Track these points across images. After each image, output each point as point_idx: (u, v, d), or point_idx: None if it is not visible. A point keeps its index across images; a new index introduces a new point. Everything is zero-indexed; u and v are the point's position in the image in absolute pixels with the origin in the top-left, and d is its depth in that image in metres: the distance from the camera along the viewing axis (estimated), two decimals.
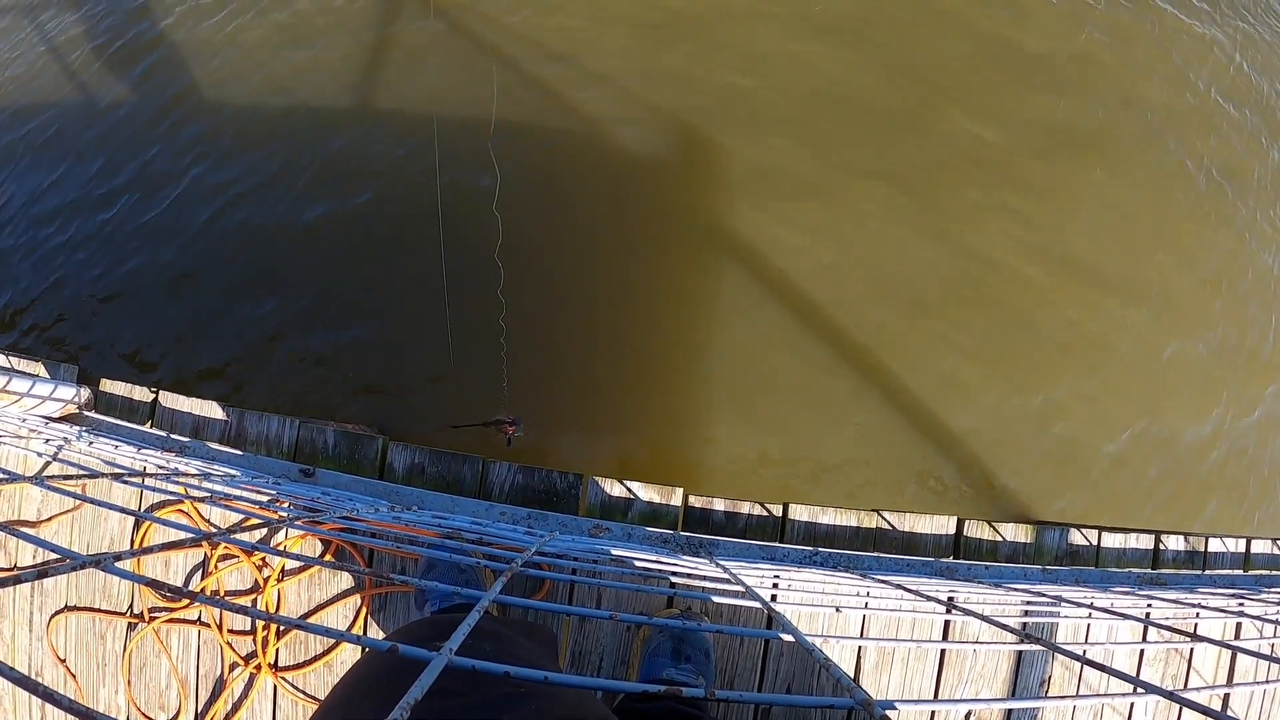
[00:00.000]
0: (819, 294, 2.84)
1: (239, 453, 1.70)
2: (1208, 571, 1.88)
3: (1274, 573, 1.92)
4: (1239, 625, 1.65)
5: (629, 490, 1.69)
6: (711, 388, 2.76)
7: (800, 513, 1.71)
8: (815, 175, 3.01)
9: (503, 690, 0.69)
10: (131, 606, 1.66)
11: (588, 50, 3.24)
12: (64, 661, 1.67)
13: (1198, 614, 1.37)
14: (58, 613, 1.67)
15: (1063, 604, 1.18)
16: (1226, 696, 1.63)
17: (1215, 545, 1.91)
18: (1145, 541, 1.86)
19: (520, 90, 3.18)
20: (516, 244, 2.89)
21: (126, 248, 3.22)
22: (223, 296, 3.03)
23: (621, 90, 3.15)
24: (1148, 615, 1.52)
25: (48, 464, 1.57)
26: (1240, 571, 1.92)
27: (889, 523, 1.73)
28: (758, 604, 0.76)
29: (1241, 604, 1.52)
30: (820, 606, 1.02)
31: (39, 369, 1.85)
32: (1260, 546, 1.95)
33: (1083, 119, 3.21)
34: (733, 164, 3.03)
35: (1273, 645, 1.62)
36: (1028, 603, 1.34)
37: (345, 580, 1.60)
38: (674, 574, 1.18)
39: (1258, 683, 1.36)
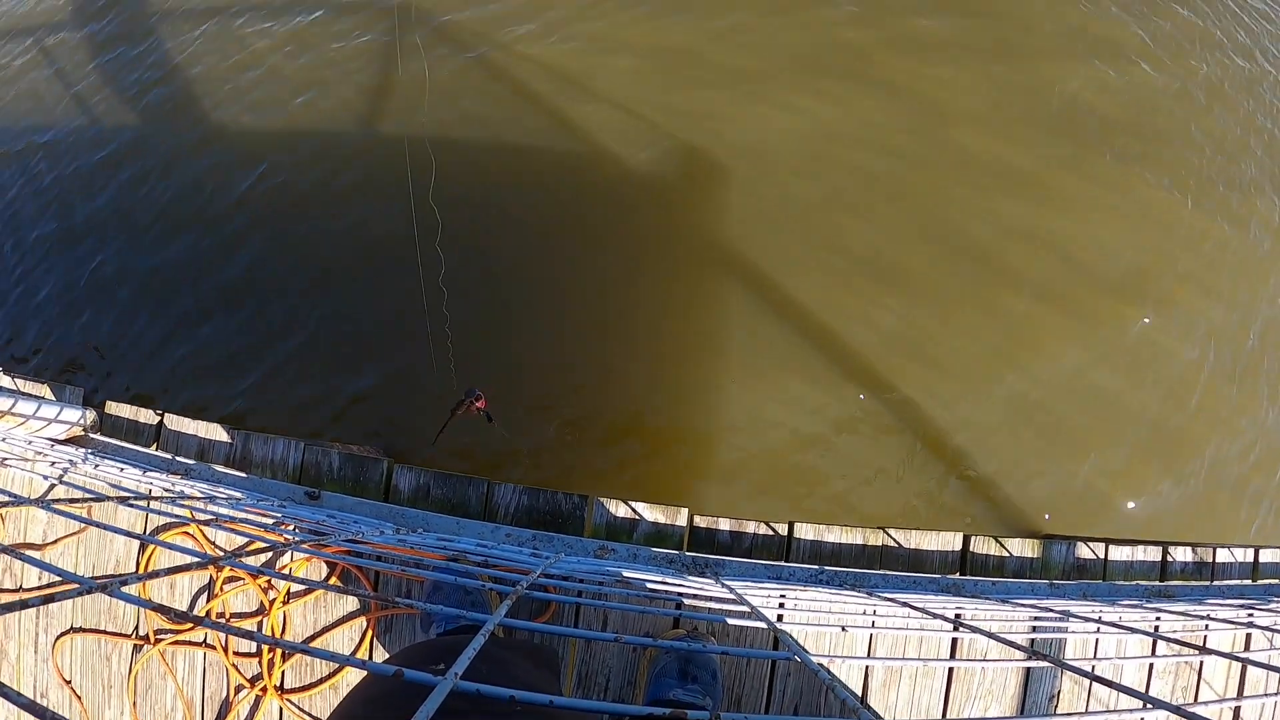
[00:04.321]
0: (823, 306, 2.85)
1: (244, 475, 1.71)
2: (1216, 582, 1.87)
3: None
4: (1249, 636, 1.63)
5: (634, 511, 1.69)
6: (718, 404, 2.77)
7: (806, 531, 1.71)
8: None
9: (503, 711, 0.70)
10: (137, 628, 1.66)
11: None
12: (69, 683, 1.67)
13: (1206, 626, 1.36)
14: (63, 634, 1.67)
15: (1070, 619, 1.18)
16: (1237, 709, 1.62)
17: (1223, 555, 1.89)
18: (1153, 554, 1.85)
19: (531, 118, 3.25)
20: (522, 266, 2.93)
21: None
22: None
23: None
24: (1156, 628, 1.51)
25: (53, 486, 1.58)
26: (1249, 581, 1.90)
27: (895, 540, 1.73)
28: (764, 624, 0.77)
29: (1250, 614, 1.51)
30: (826, 626, 1.02)
31: (45, 391, 1.86)
32: (1269, 555, 1.93)
33: None
34: (736, 186, 3.07)
35: None
36: (1035, 618, 1.33)
37: (351, 602, 1.60)
38: (680, 594, 1.18)
39: (1268, 695, 1.35)
